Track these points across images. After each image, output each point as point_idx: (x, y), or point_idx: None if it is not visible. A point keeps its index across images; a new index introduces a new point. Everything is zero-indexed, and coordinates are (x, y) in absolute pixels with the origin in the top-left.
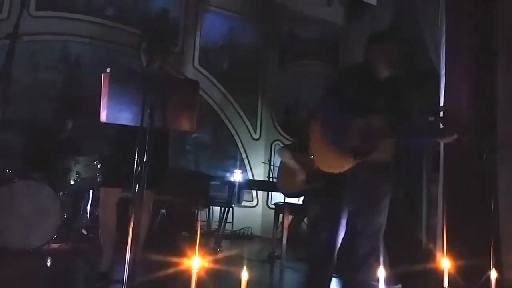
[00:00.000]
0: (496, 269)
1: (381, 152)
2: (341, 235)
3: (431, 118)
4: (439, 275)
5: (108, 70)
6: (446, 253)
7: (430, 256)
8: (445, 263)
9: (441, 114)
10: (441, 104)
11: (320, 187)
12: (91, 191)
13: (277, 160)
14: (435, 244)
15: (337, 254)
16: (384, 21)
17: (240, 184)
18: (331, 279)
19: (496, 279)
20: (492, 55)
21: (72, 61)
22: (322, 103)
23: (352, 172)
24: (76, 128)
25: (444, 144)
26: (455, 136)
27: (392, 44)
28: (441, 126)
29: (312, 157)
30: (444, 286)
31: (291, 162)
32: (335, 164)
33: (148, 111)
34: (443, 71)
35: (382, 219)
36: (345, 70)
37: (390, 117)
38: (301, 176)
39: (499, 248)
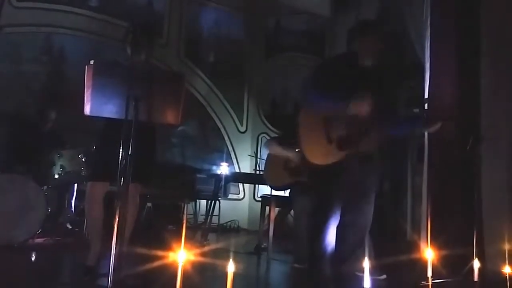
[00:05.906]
0: (479, 259)
1: (368, 144)
2: (331, 228)
3: (416, 110)
4: (423, 265)
5: (91, 62)
6: (430, 243)
7: (414, 246)
8: (429, 253)
9: (426, 105)
10: (426, 96)
11: (307, 180)
12: (76, 185)
13: (263, 153)
14: (419, 234)
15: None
16: (370, 13)
17: (226, 177)
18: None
19: (479, 269)
20: (476, 48)
21: (55, 53)
22: (306, 94)
23: (341, 164)
24: (60, 121)
25: (428, 136)
26: (439, 125)
27: (375, 35)
28: (426, 117)
29: (298, 150)
30: (428, 276)
31: (279, 151)
32: (323, 156)
33: (133, 103)
34: (427, 64)
35: (370, 212)
36: (327, 60)
37: (376, 107)
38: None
39: (482, 238)
